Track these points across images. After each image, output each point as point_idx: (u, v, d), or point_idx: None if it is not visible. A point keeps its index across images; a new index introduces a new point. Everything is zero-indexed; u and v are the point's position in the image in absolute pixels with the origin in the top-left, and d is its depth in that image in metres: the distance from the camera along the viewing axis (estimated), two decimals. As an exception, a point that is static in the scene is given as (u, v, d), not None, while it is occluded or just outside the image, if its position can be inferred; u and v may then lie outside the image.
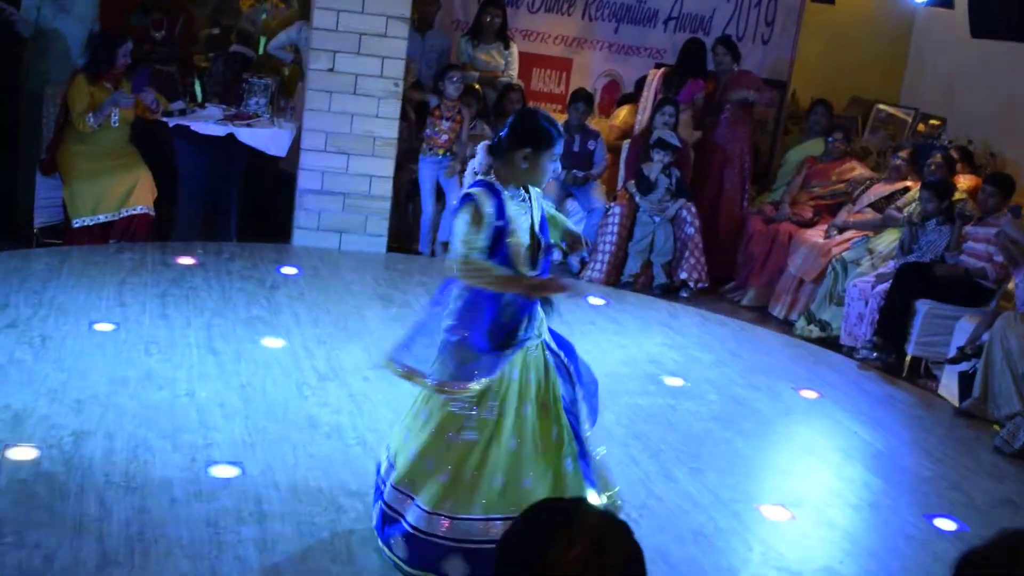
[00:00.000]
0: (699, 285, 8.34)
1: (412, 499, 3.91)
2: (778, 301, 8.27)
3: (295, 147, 8.02)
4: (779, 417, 6.12)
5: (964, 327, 6.81)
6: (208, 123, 7.80)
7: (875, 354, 7.14)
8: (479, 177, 3.92)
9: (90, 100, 7.23)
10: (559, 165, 8.22)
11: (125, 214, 7.41)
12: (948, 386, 6.80)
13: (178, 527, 4.11)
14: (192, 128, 7.74)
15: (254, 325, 6.29)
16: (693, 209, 8.43)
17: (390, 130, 8.01)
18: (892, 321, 7.12)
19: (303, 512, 4.34)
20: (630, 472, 5.06)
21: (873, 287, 7.36)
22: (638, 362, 6.54)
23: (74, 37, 7.91)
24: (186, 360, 5.65)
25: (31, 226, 7.54)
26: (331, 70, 7.84)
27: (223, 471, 4.57)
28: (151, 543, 3.99)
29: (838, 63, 10.13)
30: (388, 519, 4.00)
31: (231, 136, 7.79)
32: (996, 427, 6.23)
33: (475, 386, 3.82)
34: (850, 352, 7.38)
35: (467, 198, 3.85)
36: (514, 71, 9.04)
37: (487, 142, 3.99)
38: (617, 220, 8.36)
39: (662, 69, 8.98)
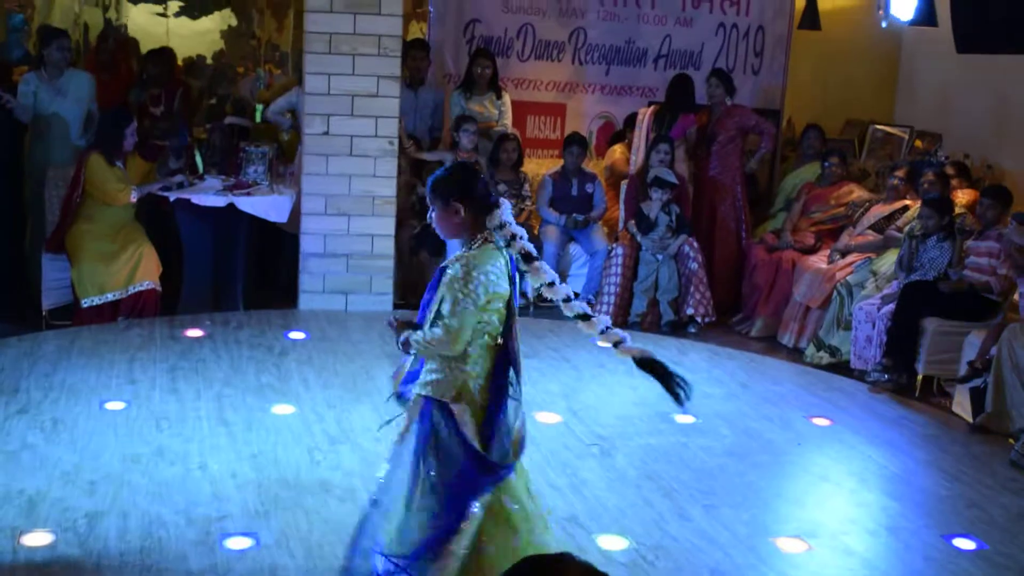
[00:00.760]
0: (706, 319, 8.34)
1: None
2: (786, 329, 8.26)
3: (296, 211, 8.09)
4: (792, 447, 6.11)
5: (973, 342, 6.78)
6: (208, 195, 7.87)
7: (886, 376, 7.11)
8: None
9: (119, 174, 7.46)
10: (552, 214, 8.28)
11: (133, 291, 7.50)
12: (962, 403, 6.77)
13: (194, 602, 4.12)
14: (193, 201, 7.83)
15: (264, 393, 6.33)
16: (695, 244, 8.45)
17: (388, 188, 8.08)
18: (900, 341, 7.10)
19: (319, 578, 4.34)
20: (644, 513, 5.06)
21: (879, 308, 7.35)
22: (649, 402, 6.52)
23: (73, 119, 8.02)
24: (197, 433, 5.69)
25: (39, 308, 7.62)
26: (326, 133, 7.93)
27: (238, 543, 4.58)
28: (168, 620, 4.01)
29: (830, 87, 10.21)
30: None
31: (232, 205, 7.88)
32: (1011, 441, 6.20)
33: None
34: (861, 376, 7.36)
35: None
36: (508, 120, 9.11)
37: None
38: (620, 261, 8.39)
39: (651, 107, 9.04)
